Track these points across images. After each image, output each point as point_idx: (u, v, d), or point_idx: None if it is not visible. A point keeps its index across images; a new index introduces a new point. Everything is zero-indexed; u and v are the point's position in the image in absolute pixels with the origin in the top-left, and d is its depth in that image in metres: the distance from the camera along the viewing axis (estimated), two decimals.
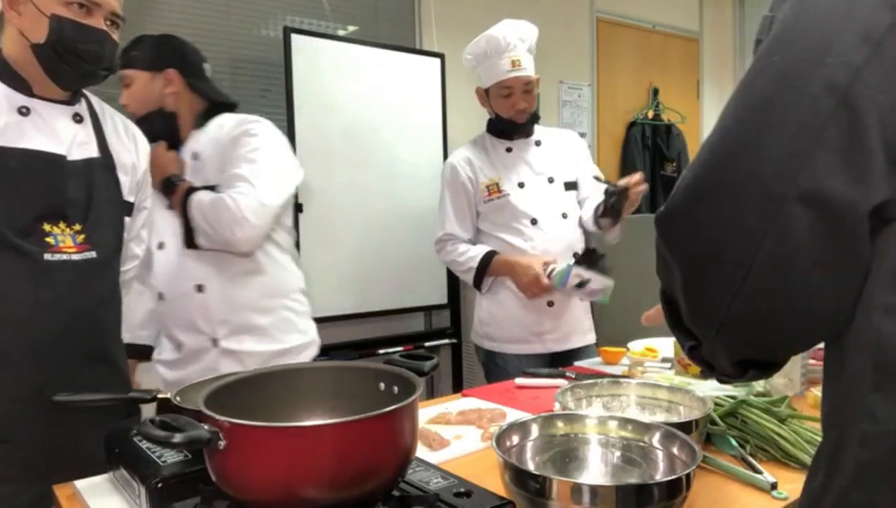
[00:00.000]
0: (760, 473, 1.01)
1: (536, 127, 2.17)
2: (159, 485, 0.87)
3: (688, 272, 0.57)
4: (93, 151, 1.34)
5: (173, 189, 1.60)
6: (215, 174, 1.61)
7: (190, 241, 1.59)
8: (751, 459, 1.06)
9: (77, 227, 1.29)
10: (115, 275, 1.41)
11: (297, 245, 2.62)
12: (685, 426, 1.00)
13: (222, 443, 0.73)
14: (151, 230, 1.60)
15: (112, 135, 1.40)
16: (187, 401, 1.02)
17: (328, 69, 2.70)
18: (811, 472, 0.58)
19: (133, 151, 1.44)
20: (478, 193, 2.09)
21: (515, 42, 2.02)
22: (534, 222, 2.06)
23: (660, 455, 0.95)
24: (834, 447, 0.52)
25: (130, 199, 1.43)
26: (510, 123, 2.09)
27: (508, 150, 2.13)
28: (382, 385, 0.93)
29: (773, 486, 0.98)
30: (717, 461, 1.06)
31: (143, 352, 1.72)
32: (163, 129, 1.65)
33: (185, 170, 1.65)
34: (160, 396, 1.15)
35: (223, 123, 1.66)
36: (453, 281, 3.07)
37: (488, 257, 2.06)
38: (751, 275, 0.50)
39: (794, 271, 0.50)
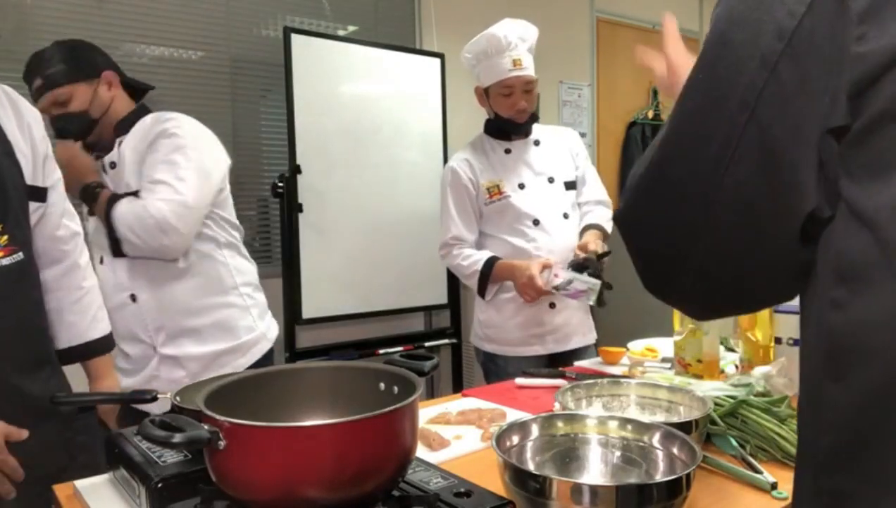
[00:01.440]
0: (760, 473, 1.01)
1: (534, 126, 2.16)
2: (159, 485, 0.87)
3: (643, 258, 0.65)
4: None
5: (94, 197, 1.55)
6: (137, 180, 1.57)
7: (117, 250, 1.55)
8: (751, 459, 1.06)
9: None
10: (38, 271, 1.31)
11: (297, 245, 2.62)
12: (685, 426, 1.00)
13: (222, 443, 0.73)
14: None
15: (0, 113, 1.25)
16: (187, 401, 1.02)
17: (328, 69, 2.70)
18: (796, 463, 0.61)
19: (23, 126, 1.29)
20: (479, 195, 2.09)
21: (516, 41, 2.02)
22: (536, 222, 2.06)
23: (660, 455, 0.95)
24: (805, 437, 0.55)
25: (37, 183, 1.30)
26: (510, 122, 2.08)
27: (507, 151, 2.13)
28: (382, 385, 0.93)
29: (773, 486, 0.98)
30: (717, 461, 1.06)
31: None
32: (78, 128, 1.59)
33: (101, 177, 1.61)
34: (160, 396, 1.15)
35: (142, 127, 1.61)
36: (453, 281, 3.07)
37: (491, 262, 2.05)
38: (690, 262, 0.58)
39: (730, 263, 0.57)
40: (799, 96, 0.49)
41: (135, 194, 1.55)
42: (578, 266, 1.87)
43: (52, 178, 1.37)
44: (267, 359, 1.74)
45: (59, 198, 1.38)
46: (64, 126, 1.56)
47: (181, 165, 1.53)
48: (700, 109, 0.55)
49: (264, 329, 1.75)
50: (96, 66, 1.60)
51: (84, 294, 1.41)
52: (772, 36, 0.50)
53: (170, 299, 1.61)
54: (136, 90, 1.72)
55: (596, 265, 1.87)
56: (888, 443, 0.46)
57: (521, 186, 2.08)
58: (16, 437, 1.16)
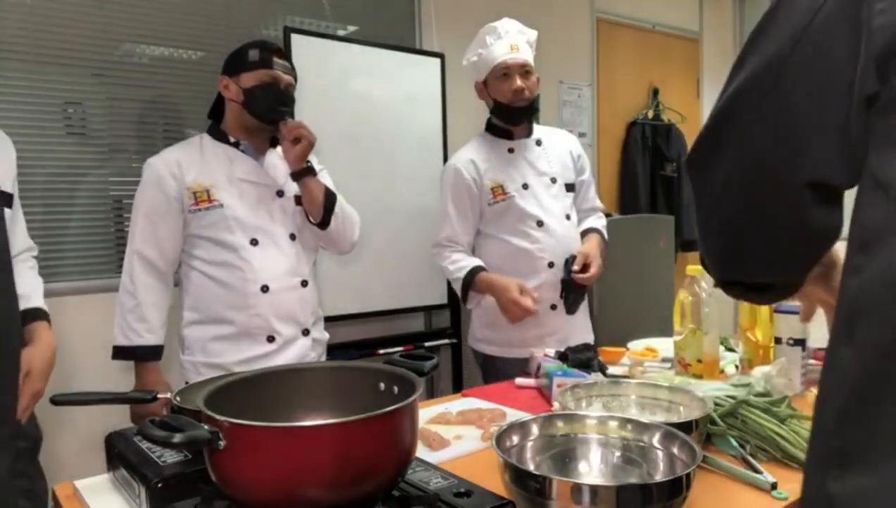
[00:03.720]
0: (760, 473, 1.01)
1: (535, 126, 2.16)
2: (159, 485, 0.87)
3: (707, 209, 0.66)
4: None
5: (314, 174, 1.75)
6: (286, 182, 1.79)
7: (326, 223, 1.76)
8: (751, 459, 1.06)
9: None
10: (10, 267, 1.42)
11: None
12: (685, 426, 1.00)
13: (222, 443, 0.73)
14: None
15: None
16: (187, 401, 1.02)
17: (328, 69, 2.70)
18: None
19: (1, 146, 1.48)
20: (483, 195, 2.07)
21: (514, 32, 2.04)
22: (540, 223, 2.05)
23: (660, 454, 0.95)
24: (818, 402, 0.56)
25: (6, 189, 1.45)
26: (510, 109, 2.05)
27: (510, 150, 2.12)
28: (382, 385, 0.93)
29: (773, 486, 0.98)
30: (717, 461, 1.06)
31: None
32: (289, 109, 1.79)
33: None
34: (160, 396, 1.15)
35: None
36: None
37: (474, 272, 2.04)
38: (716, 219, 0.66)
39: (750, 224, 0.61)
40: (819, 70, 0.53)
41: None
42: (581, 364, 1.61)
43: (17, 196, 1.53)
44: None
45: (20, 214, 1.56)
46: (288, 108, 1.77)
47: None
48: (750, 73, 0.58)
49: None
50: None
51: (23, 280, 1.53)
52: (803, 12, 0.54)
53: (318, 290, 1.87)
54: None
55: (600, 364, 1.65)
56: (890, 400, 0.47)
57: (525, 187, 2.07)
58: None
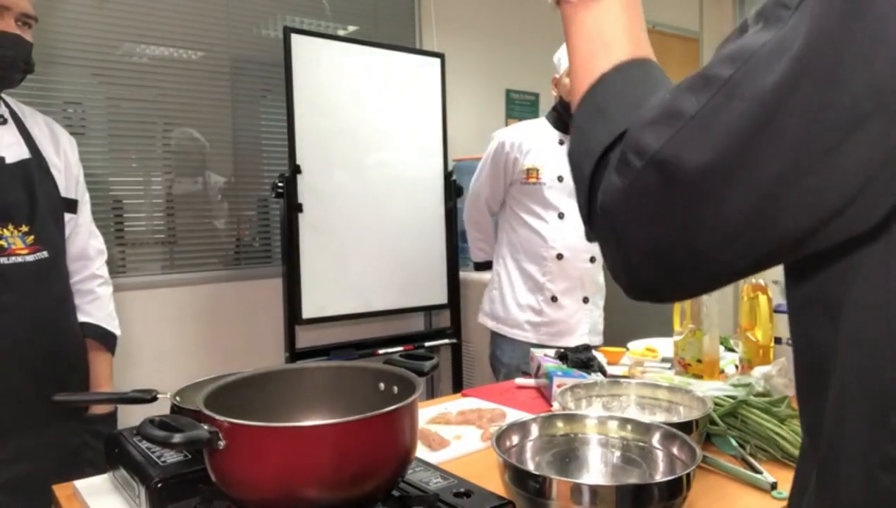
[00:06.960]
0: (760, 473, 1.01)
1: None
2: (159, 485, 0.87)
3: (653, 254, 0.52)
4: (24, 153, 1.36)
5: None
6: None
7: None
8: (751, 459, 1.06)
9: (24, 228, 1.32)
10: (67, 273, 1.45)
11: (297, 245, 2.63)
12: (685, 426, 1.00)
13: (222, 443, 0.73)
14: None
15: (38, 134, 1.42)
16: (187, 401, 1.02)
17: (328, 69, 2.70)
18: (798, 490, 0.56)
19: (59, 149, 1.47)
20: (517, 173, 2.16)
21: None
22: (561, 216, 2.12)
23: (660, 455, 0.95)
24: (868, 368, 0.48)
25: (70, 195, 1.47)
26: (570, 110, 2.12)
27: (560, 142, 2.18)
28: (382, 385, 0.93)
29: (773, 486, 0.98)
30: (717, 461, 1.06)
31: None
32: None
33: None
34: (160, 395, 1.15)
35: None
36: (453, 281, 3.06)
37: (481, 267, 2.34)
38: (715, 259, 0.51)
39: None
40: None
41: None
42: (581, 364, 1.57)
43: (83, 198, 1.53)
44: None
45: (87, 218, 1.55)
46: None
47: None
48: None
49: None
50: None
51: (96, 298, 1.54)
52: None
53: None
54: None
55: (599, 364, 1.60)
56: None
57: (560, 179, 2.14)
58: None
